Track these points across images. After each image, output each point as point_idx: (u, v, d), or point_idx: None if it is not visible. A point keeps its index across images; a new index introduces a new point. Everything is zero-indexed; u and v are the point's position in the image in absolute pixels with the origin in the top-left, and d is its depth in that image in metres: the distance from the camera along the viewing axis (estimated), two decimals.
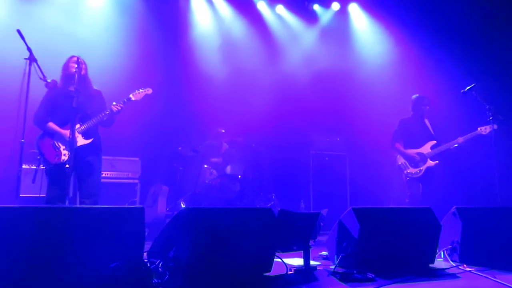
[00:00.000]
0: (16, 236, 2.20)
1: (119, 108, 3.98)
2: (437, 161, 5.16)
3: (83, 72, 3.98)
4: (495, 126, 4.90)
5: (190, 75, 6.83)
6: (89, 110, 3.99)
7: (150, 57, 6.54)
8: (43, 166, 3.98)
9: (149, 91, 4.16)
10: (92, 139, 3.98)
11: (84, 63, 4.05)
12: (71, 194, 3.81)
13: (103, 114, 3.98)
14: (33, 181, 3.91)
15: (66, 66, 4.04)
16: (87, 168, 3.95)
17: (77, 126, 3.91)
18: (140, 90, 4.14)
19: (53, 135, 3.96)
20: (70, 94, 3.83)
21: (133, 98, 4.09)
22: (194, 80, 6.79)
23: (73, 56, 4.04)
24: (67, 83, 3.99)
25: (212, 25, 7.23)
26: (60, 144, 3.94)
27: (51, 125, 3.97)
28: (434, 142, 5.24)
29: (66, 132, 3.89)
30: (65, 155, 3.90)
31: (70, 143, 3.71)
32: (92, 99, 4.07)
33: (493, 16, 6.52)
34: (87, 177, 3.96)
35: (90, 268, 2.28)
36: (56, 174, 3.88)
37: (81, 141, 3.92)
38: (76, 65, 3.89)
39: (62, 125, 3.98)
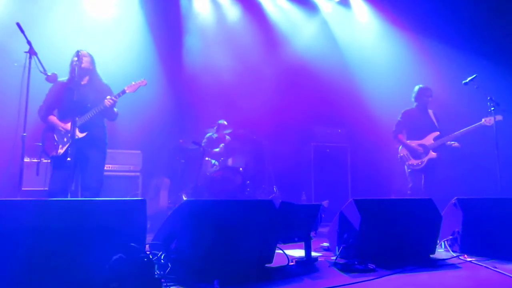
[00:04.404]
0: (18, 229, 2.21)
1: (112, 102, 3.99)
2: (439, 153, 5.15)
3: (83, 65, 3.98)
4: (500, 117, 4.88)
5: (191, 67, 6.81)
6: (89, 104, 4.00)
7: (151, 50, 6.52)
8: (44, 159, 4.03)
9: (144, 82, 4.15)
10: (86, 132, 3.96)
11: (87, 56, 4.06)
12: (73, 187, 3.84)
13: (98, 109, 3.99)
14: (37, 173, 3.96)
15: (71, 61, 4.06)
16: (84, 161, 3.97)
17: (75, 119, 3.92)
18: (135, 82, 4.13)
19: (53, 128, 4.03)
20: (72, 87, 3.86)
21: (127, 91, 4.09)
22: (195, 72, 6.77)
23: (77, 51, 4.05)
24: (71, 77, 4.02)
25: (212, 16, 7.18)
26: (57, 138, 4.00)
27: (52, 118, 4.05)
28: (437, 133, 5.22)
29: (64, 126, 3.98)
30: (61, 148, 3.95)
31: (71, 137, 3.73)
32: (96, 93, 4.07)
33: (497, 7, 6.47)
34: (84, 170, 4.00)
35: (93, 260, 2.30)
36: (56, 166, 3.95)
37: (77, 134, 3.91)
38: (76, 59, 3.90)
39: (63, 118, 4.03)
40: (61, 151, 3.95)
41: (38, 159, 4.15)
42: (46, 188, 4.02)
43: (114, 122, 4.34)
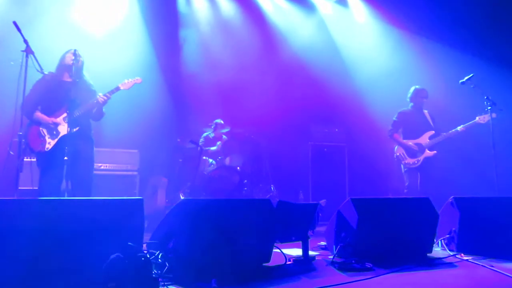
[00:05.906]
0: (15, 229, 2.20)
1: (105, 98, 3.97)
2: (435, 151, 5.18)
3: (79, 64, 4.00)
4: (494, 115, 4.91)
5: (188, 67, 6.80)
6: (78, 100, 3.96)
7: (148, 49, 6.51)
8: (27, 158, 3.96)
9: (138, 80, 4.12)
10: (78, 127, 3.92)
11: (81, 57, 4.07)
12: (69, 186, 3.81)
13: (89, 104, 3.96)
14: (21, 170, 3.83)
15: (63, 57, 4.06)
16: (75, 157, 3.84)
17: (64, 115, 3.92)
18: (129, 79, 4.11)
19: (39, 123, 3.95)
20: (62, 84, 3.89)
21: (121, 88, 4.06)
22: (193, 71, 6.76)
23: (71, 49, 4.04)
24: (61, 74, 4.03)
25: (210, 15, 7.17)
26: (45, 132, 3.93)
27: (38, 114, 3.96)
28: (432, 132, 5.26)
29: (54, 119, 3.93)
30: (49, 143, 3.90)
31: (68, 133, 3.71)
32: (84, 91, 4.06)
33: (494, 6, 6.49)
34: (75, 167, 3.84)
35: (90, 259, 2.30)
36: (44, 163, 3.89)
37: (67, 130, 3.85)
38: (73, 57, 3.91)
39: (50, 113, 3.98)
40: (49, 146, 3.88)
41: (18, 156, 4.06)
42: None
43: (111, 121, 4.33)
